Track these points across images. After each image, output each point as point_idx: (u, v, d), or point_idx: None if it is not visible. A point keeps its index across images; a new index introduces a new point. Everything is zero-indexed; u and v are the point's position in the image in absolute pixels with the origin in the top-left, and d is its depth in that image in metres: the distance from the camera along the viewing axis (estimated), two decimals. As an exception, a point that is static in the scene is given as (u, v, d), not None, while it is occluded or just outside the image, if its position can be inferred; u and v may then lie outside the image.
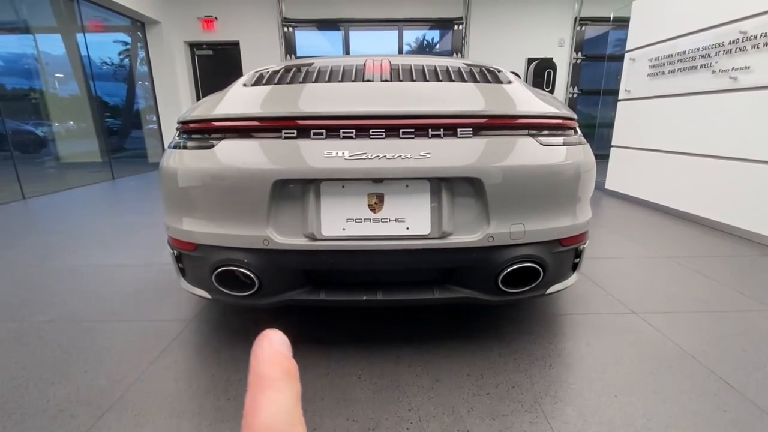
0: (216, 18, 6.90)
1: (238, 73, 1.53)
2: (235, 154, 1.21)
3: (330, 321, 1.67)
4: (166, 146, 1.43)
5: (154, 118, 7.21)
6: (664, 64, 3.58)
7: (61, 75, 6.08)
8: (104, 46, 6.51)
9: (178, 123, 1.34)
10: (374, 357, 1.43)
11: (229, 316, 1.73)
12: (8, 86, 5.30)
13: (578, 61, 7.31)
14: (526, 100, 1.35)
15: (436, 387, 1.27)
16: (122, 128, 7.21)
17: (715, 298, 1.87)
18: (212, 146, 1.24)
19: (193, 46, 7.21)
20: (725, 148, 2.97)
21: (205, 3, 6.82)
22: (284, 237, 1.21)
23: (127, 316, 1.73)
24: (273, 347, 0.16)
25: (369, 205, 1.22)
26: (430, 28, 7.54)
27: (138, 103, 7.28)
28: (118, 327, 1.64)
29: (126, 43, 7.00)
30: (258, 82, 1.47)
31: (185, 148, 1.29)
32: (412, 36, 7.54)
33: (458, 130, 1.21)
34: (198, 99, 7.15)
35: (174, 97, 7.00)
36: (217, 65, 7.30)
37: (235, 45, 7.05)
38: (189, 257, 1.33)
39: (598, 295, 1.90)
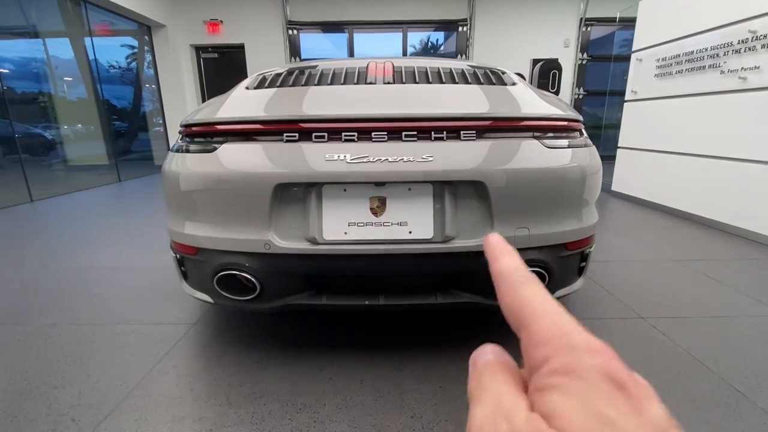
0: (221, 21, 6.94)
1: (243, 76, 1.53)
2: (237, 158, 1.21)
3: (332, 325, 1.66)
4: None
5: (161, 121, 7.27)
6: (671, 65, 3.54)
7: (70, 78, 6.16)
8: (111, 50, 6.58)
9: (181, 126, 1.34)
10: (377, 362, 1.41)
11: (231, 319, 1.72)
12: (18, 90, 5.38)
13: (584, 62, 7.26)
14: (531, 102, 1.33)
15: (439, 393, 1.25)
16: (129, 131, 7.28)
17: (725, 302, 1.84)
18: (214, 149, 1.23)
19: (199, 49, 7.26)
20: (734, 150, 2.92)
21: (211, 6, 6.86)
22: (286, 241, 1.20)
23: (131, 319, 1.73)
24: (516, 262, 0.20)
25: (371, 208, 1.20)
26: (434, 30, 7.53)
27: (144, 105, 7.34)
28: (121, 330, 1.64)
29: (132, 47, 7.08)
30: (260, 85, 1.46)
31: (188, 151, 1.29)
32: (416, 38, 7.54)
33: (461, 132, 1.20)
34: (203, 101, 7.20)
35: (180, 100, 7.06)
36: (222, 68, 7.34)
37: (240, 48, 7.09)
38: (191, 261, 1.33)
39: (605, 300, 1.87)
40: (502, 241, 0.22)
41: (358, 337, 1.57)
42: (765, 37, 2.66)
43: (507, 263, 0.20)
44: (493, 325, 1.65)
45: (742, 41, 2.83)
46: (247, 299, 1.28)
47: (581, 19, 6.99)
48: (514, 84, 1.45)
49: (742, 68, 2.83)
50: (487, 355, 0.19)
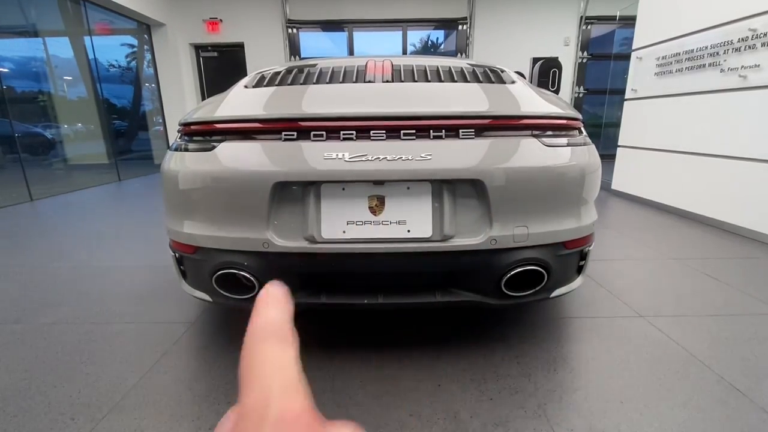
0: (221, 20, 6.94)
1: (243, 75, 1.54)
2: (236, 156, 1.21)
3: (331, 324, 1.66)
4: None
5: (160, 120, 7.27)
6: (671, 63, 3.53)
7: (69, 78, 6.16)
8: (111, 49, 6.58)
9: (180, 125, 1.34)
10: (376, 360, 1.41)
11: (231, 318, 1.72)
12: (18, 89, 5.38)
13: (584, 61, 7.25)
14: (530, 100, 1.33)
15: (438, 392, 1.25)
16: (128, 130, 7.28)
17: (724, 300, 1.84)
18: (213, 148, 1.23)
19: (198, 48, 7.25)
20: (734, 148, 2.91)
21: (210, 5, 6.85)
22: (284, 240, 1.20)
23: (130, 318, 1.73)
24: (274, 306, 0.18)
25: (370, 207, 1.20)
26: (434, 29, 7.52)
27: (144, 105, 7.34)
28: (120, 329, 1.65)
29: (132, 46, 7.08)
30: (259, 83, 1.46)
31: (186, 150, 1.29)
32: (416, 36, 7.53)
33: (460, 131, 1.19)
34: (203, 101, 7.19)
35: (179, 99, 7.05)
36: (222, 67, 7.34)
37: (240, 47, 7.09)
38: (189, 260, 1.33)
39: (604, 298, 1.87)
40: (278, 295, 0.19)
41: (357, 336, 1.57)
42: (765, 35, 2.66)
43: (265, 316, 0.17)
44: (493, 323, 1.65)
45: (742, 39, 2.82)
46: (245, 298, 1.28)
47: (581, 17, 6.98)
48: (513, 82, 1.45)
49: (742, 66, 2.83)
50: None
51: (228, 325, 1.67)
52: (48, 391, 1.27)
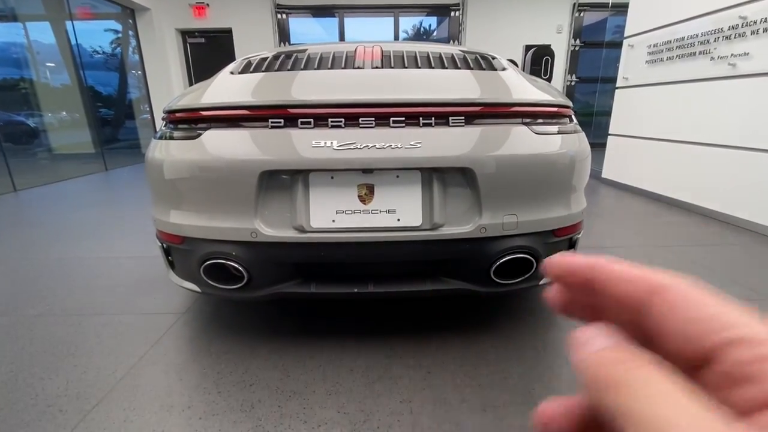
0: (208, 4, 6.75)
1: (230, 62, 1.50)
2: (221, 144, 1.18)
3: (322, 313, 1.66)
4: (154, 137, 1.41)
5: (147, 108, 7.10)
6: (662, 51, 3.53)
7: (52, 64, 5.98)
8: (94, 35, 6.39)
9: (164, 112, 1.31)
10: (366, 349, 1.42)
11: (220, 309, 1.71)
12: (-1, 76, 5.22)
13: (576, 48, 7.22)
14: (521, 88, 1.32)
15: (428, 378, 1.27)
16: (115, 118, 7.12)
17: (710, 287, 1.86)
18: (198, 136, 1.20)
19: (185, 34, 7.07)
20: (723, 137, 2.94)
21: (197, -11, 6.66)
22: (272, 229, 1.19)
23: (119, 309, 1.71)
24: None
25: (359, 196, 1.19)
26: (426, 15, 7.42)
27: (130, 92, 7.17)
28: (109, 320, 1.63)
29: (116, 31, 6.87)
30: (246, 69, 1.43)
31: (171, 138, 1.26)
32: (408, 23, 7.42)
33: (450, 118, 1.18)
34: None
35: (166, 86, 6.89)
36: (209, 53, 7.17)
37: (228, 32, 6.92)
38: (177, 250, 1.31)
39: (593, 285, 1.89)
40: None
41: (348, 325, 1.57)
42: (755, 23, 2.66)
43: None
44: (482, 310, 1.66)
45: (733, 27, 2.83)
46: (234, 288, 1.27)
47: (574, 4, 6.92)
48: (504, 69, 1.44)
49: (732, 55, 2.84)
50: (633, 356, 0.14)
51: (218, 316, 1.66)
52: (35, 383, 1.26)
